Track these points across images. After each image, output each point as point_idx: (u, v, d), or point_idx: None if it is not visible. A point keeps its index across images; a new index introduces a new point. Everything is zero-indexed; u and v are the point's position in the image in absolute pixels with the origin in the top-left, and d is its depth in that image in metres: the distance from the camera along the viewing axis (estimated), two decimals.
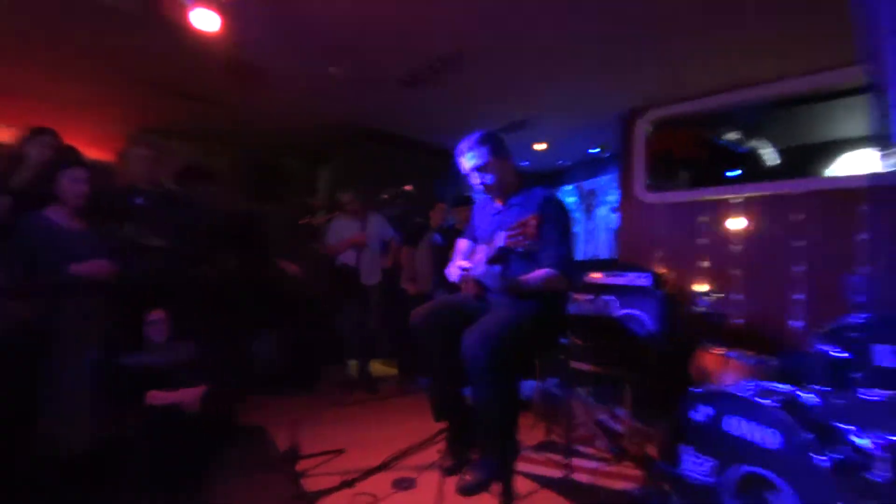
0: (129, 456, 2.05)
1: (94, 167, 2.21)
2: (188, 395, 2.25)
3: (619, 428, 2.95)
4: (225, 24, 2.48)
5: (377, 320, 3.82)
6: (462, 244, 2.04)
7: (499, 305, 1.64)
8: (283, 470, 2.21)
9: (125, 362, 2.26)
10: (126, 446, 2.09)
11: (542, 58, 3.21)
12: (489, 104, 4.00)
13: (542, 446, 2.76)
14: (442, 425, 1.89)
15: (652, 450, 2.28)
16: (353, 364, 3.88)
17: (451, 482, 1.82)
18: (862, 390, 1.55)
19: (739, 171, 4.31)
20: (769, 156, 4.57)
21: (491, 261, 1.40)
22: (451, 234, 3.31)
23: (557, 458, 2.52)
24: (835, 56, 2.91)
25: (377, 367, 3.99)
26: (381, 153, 4.90)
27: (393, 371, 4.20)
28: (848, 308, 1.77)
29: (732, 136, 4.37)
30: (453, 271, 1.87)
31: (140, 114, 4.38)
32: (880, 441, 1.59)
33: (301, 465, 2.27)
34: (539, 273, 1.56)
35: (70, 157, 2.35)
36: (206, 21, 2.39)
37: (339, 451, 2.49)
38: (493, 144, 1.73)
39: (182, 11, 2.30)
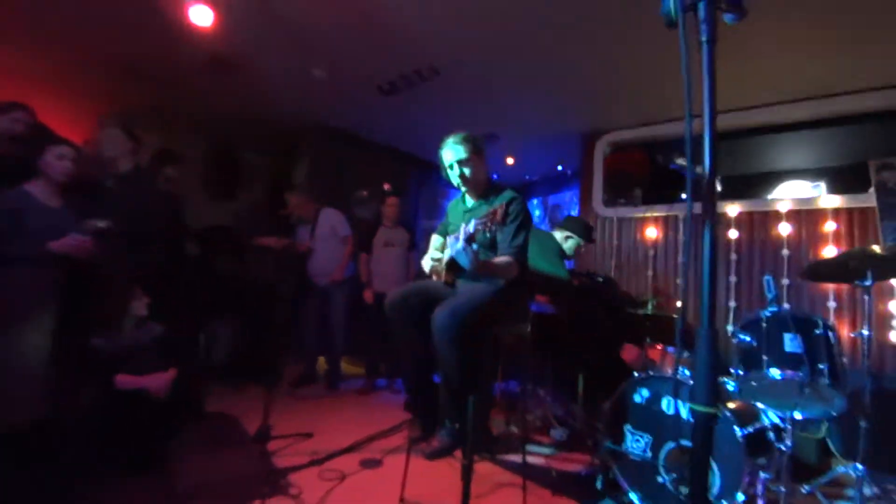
0: (84, 433, 2.05)
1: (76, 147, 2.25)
2: (157, 381, 2.26)
3: (572, 420, 3.18)
4: (215, 18, 2.59)
5: (340, 319, 3.79)
6: (435, 240, 2.23)
7: (467, 289, 1.84)
8: (253, 449, 2.28)
9: (94, 343, 2.27)
10: (84, 424, 2.09)
11: (512, 79, 3.50)
12: (460, 117, 4.23)
13: (503, 436, 2.94)
14: (406, 415, 2.03)
15: (601, 436, 2.50)
16: (320, 360, 3.93)
17: (417, 461, 1.97)
18: (771, 372, 1.83)
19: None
20: (715, 182, 5.06)
21: (466, 241, 1.59)
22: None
23: (516, 445, 2.70)
24: (775, 94, 3.34)
25: (344, 366, 4.04)
26: (351, 155, 5.04)
27: (359, 371, 4.26)
28: (765, 305, 2.06)
29: (682, 161, 4.82)
30: (426, 262, 2.05)
31: (108, 98, 4.33)
32: (786, 415, 1.89)
33: (270, 446, 2.34)
34: (500, 258, 1.78)
35: (48, 134, 2.37)
36: (201, 17, 2.50)
37: (308, 435, 2.57)
38: (474, 143, 1.98)
39: (181, 8, 2.40)
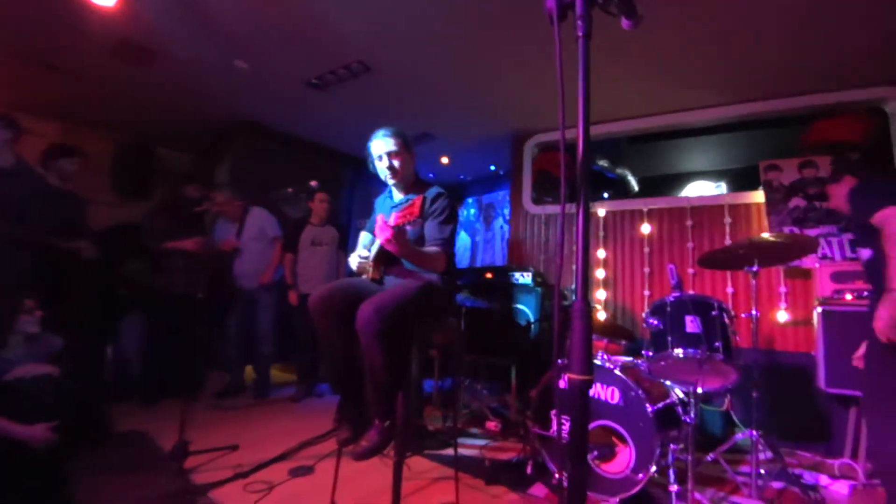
0: None
1: None
2: (33, 431, 1.96)
3: (506, 410, 3.27)
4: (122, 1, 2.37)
5: (268, 324, 3.62)
6: (363, 237, 2.19)
7: (393, 284, 1.82)
8: (168, 468, 2.11)
9: None
10: None
11: (443, 80, 3.54)
12: (393, 116, 4.20)
13: (438, 432, 2.96)
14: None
15: (531, 423, 2.60)
16: (248, 369, 3.73)
17: (350, 464, 1.93)
18: (674, 351, 2.00)
19: (609, 193, 5.10)
20: (633, 182, 5.47)
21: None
22: None
23: (450, 439, 2.73)
24: (685, 101, 3.64)
25: (275, 373, 3.86)
26: (280, 152, 4.83)
27: (291, 378, 4.10)
28: (670, 291, 2.25)
29: (603, 163, 5.14)
30: (353, 259, 2.02)
31: (6, 88, 3.82)
32: (689, 390, 2.07)
33: (190, 463, 2.18)
34: (427, 248, 1.79)
35: None
36: None
37: (233, 447, 2.43)
38: (404, 139, 1.98)
39: None
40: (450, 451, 2.55)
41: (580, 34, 0.86)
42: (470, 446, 2.72)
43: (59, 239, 2.56)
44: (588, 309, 0.84)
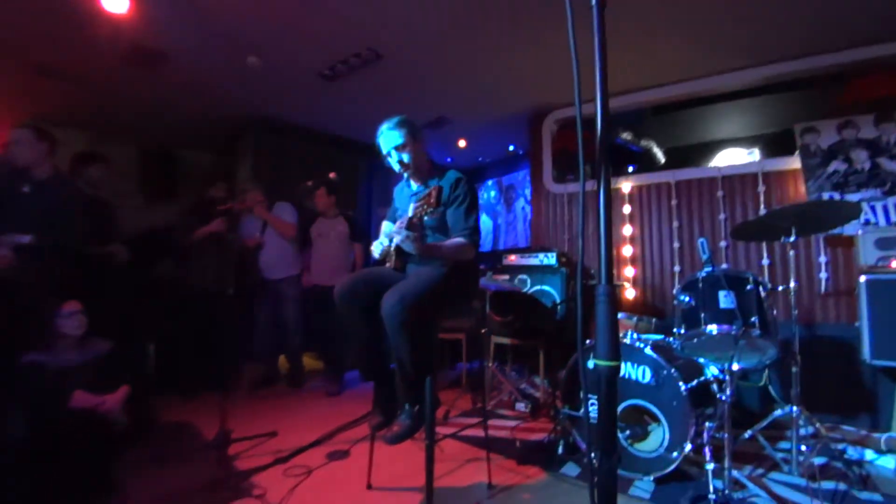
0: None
1: None
2: (111, 401, 2.15)
3: (535, 392, 3.28)
4: (133, 6, 2.41)
5: (295, 315, 3.71)
6: (385, 226, 2.20)
7: (415, 272, 1.83)
8: (212, 455, 2.21)
9: (34, 360, 2.11)
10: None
11: (455, 62, 3.46)
12: (407, 102, 4.15)
13: (468, 413, 3.00)
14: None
15: (560, 404, 2.60)
16: (281, 359, 3.85)
17: (384, 448, 1.98)
18: (708, 328, 1.94)
19: (635, 166, 4.93)
20: (659, 154, 5.27)
21: (407, 227, 1.57)
22: None
23: (479, 420, 2.76)
24: (710, 64, 3.46)
25: (306, 361, 3.97)
26: (298, 146, 4.88)
27: (319, 365, 4.20)
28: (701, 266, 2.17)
29: (626, 135, 4.96)
30: (376, 247, 2.03)
31: (29, 100, 3.98)
32: (725, 367, 2.01)
33: (232, 450, 2.28)
34: (451, 241, 1.77)
35: None
36: (115, 3, 2.32)
37: (272, 434, 2.52)
38: (410, 128, 1.92)
39: None
40: (481, 433, 2.58)
41: (594, 3, 0.82)
42: (501, 427, 2.74)
43: (94, 245, 2.67)
44: (613, 292, 0.82)
